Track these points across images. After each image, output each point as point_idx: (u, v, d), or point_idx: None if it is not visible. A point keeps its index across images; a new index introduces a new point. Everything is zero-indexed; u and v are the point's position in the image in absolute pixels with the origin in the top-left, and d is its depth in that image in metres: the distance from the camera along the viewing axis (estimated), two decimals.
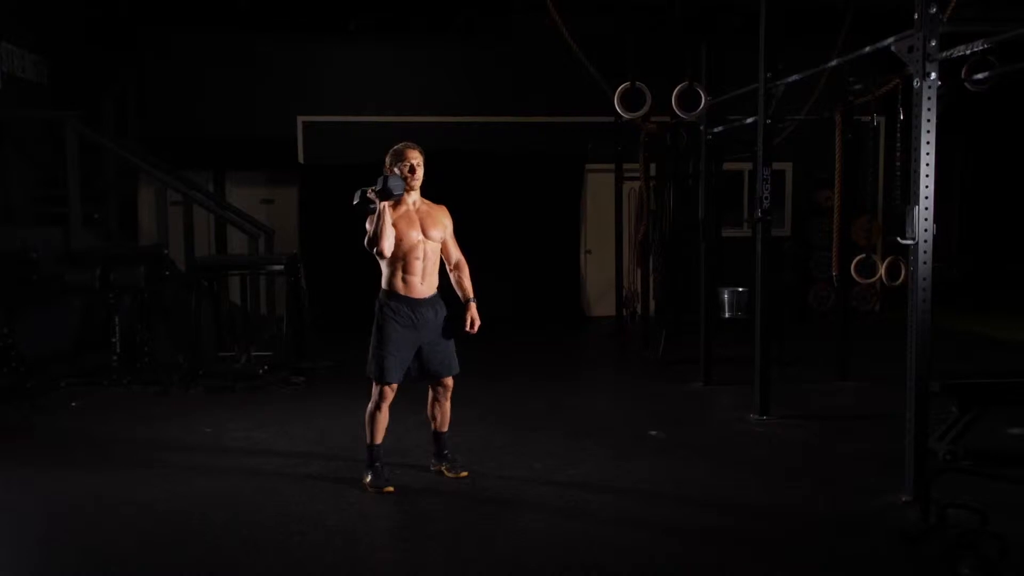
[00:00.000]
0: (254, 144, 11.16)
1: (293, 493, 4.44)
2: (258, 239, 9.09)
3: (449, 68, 11.53)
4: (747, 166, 10.79)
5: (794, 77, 5.65)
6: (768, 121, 5.86)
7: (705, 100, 6.80)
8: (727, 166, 9.12)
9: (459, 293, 4.60)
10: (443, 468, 4.69)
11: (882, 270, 6.77)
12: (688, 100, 6.88)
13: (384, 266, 4.41)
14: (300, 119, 11.32)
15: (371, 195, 4.22)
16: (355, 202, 4.30)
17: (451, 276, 4.62)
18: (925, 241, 4.03)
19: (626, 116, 7.54)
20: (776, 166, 8.56)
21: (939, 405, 4.76)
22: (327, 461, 4.99)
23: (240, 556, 3.68)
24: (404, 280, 4.38)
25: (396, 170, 4.35)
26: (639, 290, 9.69)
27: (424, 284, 4.42)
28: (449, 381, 4.58)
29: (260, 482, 4.64)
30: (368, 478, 4.44)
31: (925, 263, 4.03)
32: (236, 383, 7.12)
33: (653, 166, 9.44)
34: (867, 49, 4.66)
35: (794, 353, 7.92)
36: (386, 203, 4.22)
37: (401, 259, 4.36)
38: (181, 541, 3.85)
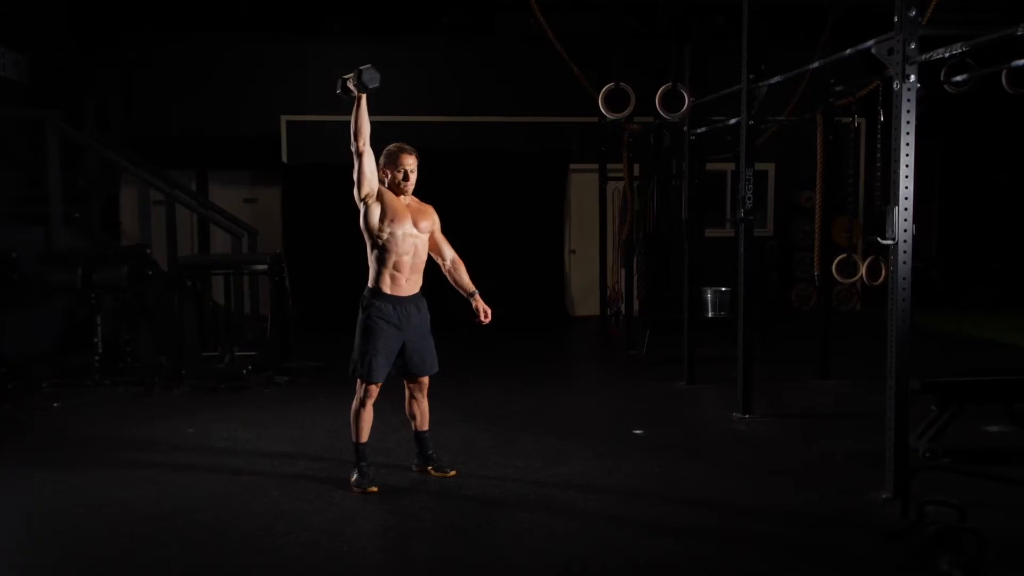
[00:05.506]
0: (237, 143, 11.13)
1: (278, 493, 4.44)
2: (241, 239, 9.06)
3: (433, 68, 11.53)
4: (730, 166, 10.87)
5: (776, 79, 5.70)
6: (750, 122, 5.91)
7: (688, 101, 6.84)
8: (710, 166, 9.18)
9: (460, 291, 4.60)
10: (429, 468, 4.70)
11: (863, 270, 6.84)
12: (671, 101, 6.92)
13: (373, 262, 4.40)
14: (284, 118, 11.29)
15: (350, 86, 4.19)
16: (337, 91, 4.30)
17: (448, 277, 4.62)
18: (905, 241, 4.08)
19: (610, 116, 7.57)
20: (759, 167, 8.61)
21: (919, 403, 4.82)
22: (312, 461, 4.99)
23: (226, 556, 3.68)
24: (392, 277, 4.39)
25: (388, 173, 4.34)
26: (623, 290, 9.73)
27: (409, 282, 4.43)
28: (425, 379, 4.60)
29: (245, 482, 4.63)
30: (354, 477, 4.45)
31: (905, 263, 4.08)
32: (220, 383, 7.09)
33: (637, 166, 9.49)
34: (848, 51, 4.71)
35: (777, 352, 7.98)
36: (363, 95, 4.19)
37: (392, 252, 4.35)
38: (166, 541, 3.84)
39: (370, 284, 4.44)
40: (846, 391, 6.80)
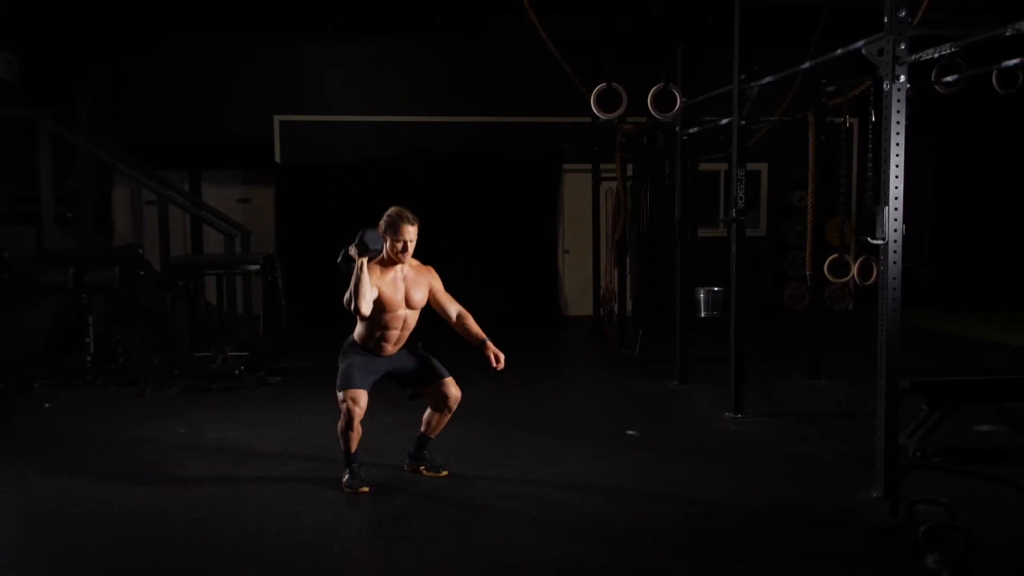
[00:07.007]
0: (230, 143, 11.12)
1: (270, 493, 4.44)
2: (234, 239, 9.03)
3: (427, 68, 11.53)
4: (723, 166, 10.88)
5: (767, 79, 5.71)
6: (742, 122, 5.92)
7: (680, 101, 6.85)
8: (703, 166, 9.20)
9: (471, 341, 4.48)
10: (422, 468, 4.69)
11: (854, 270, 6.85)
12: (664, 101, 6.93)
13: (359, 324, 4.39)
14: (277, 118, 11.30)
15: (352, 252, 4.19)
16: (338, 260, 4.27)
17: (457, 330, 4.52)
18: (895, 241, 4.09)
19: (603, 117, 7.58)
20: (751, 167, 8.63)
21: (910, 403, 4.84)
22: (304, 461, 4.99)
23: (218, 556, 3.67)
24: (378, 344, 4.41)
25: (387, 239, 4.28)
26: (616, 290, 9.75)
27: (396, 346, 4.46)
28: (455, 391, 4.49)
29: (237, 482, 4.63)
30: (345, 478, 4.44)
31: (895, 263, 4.10)
32: (212, 384, 7.08)
33: (630, 166, 9.50)
34: (838, 52, 4.73)
35: (769, 351, 8.00)
36: (364, 259, 4.18)
37: (381, 325, 4.37)
38: (158, 541, 3.84)
39: (355, 337, 4.43)
40: (838, 390, 6.82)
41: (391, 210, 4.33)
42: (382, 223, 4.31)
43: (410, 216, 4.30)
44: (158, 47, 11.04)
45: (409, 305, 4.40)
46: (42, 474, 4.80)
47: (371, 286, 4.21)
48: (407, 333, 4.47)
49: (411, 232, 4.29)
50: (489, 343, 4.45)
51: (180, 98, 11.06)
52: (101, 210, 10.39)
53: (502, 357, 4.43)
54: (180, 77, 11.08)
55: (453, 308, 4.51)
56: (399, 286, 4.37)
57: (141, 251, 8.05)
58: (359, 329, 4.42)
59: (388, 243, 4.28)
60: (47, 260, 7.62)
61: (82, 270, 7.30)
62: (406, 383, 4.58)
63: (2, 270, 7.25)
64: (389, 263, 4.35)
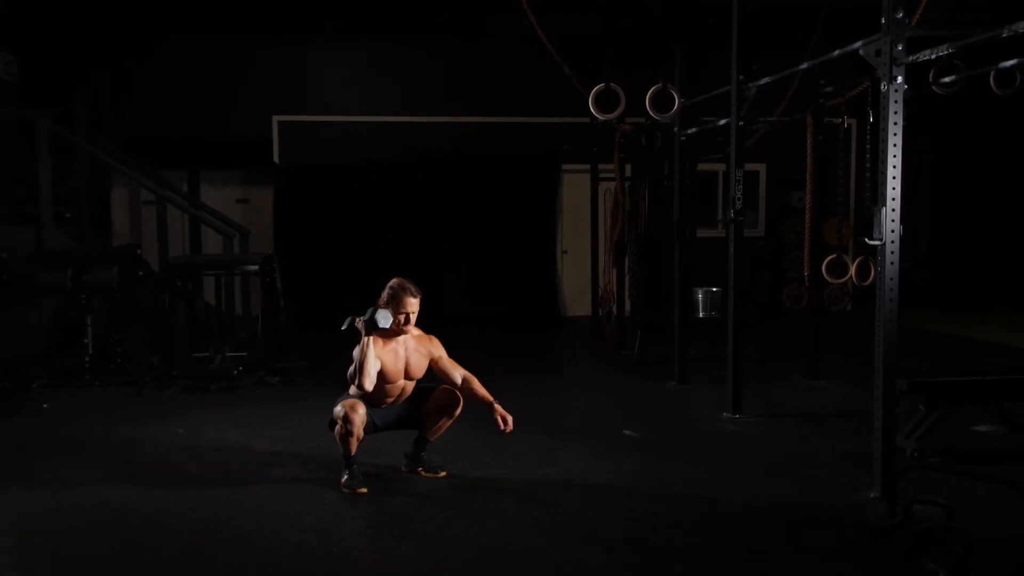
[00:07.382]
0: (229, 144, 11.14)
1: (269, 493, 4.44)
2: (233, 239, 9.03)
3: (426, 68, 11.55)
4: (722, 167, 10.90)
5: (765, 80, 5.72)
6: (740, 123, 5.93)
7: (679, 102, 6.86)
8: (702, 166, 9.22)
9: (479, 403, 4.48)
10: (420, 469, 4.70)
11: (852, 270, 6.86)
12: (662, 102, 6.94)
13: (354, 388, 4.41)
14: (276, 119, 11.31)
15: (359, 325, 4.22)
16: (343, 328, 4.28)
17: (464, 394, 4.52)
18: (892, 242, 4.10)
19: (601, 117, 7.59)
20: (750, 167, 8.62)
21: (907, 403, 4.85)
22: (303, 462, 5.00)
23: (217, 556, 3.68)
24: (373, 405, 4.46)
25: (390, 312, 4.28)
26: (615, 290, 9.76)
27: (389, 405, 4.53)
28: (460, 400, 4.53)
29: (236, 483, 4.63)
30: (344, 478, 4.45)
31: (892, 263, 4.10)
32: (211, 384, 7.08)
33: (628, 167, 9.51)
34: (836, 53, 4.74)
35: (767, 351, 8.00)
36: (372, 336, 4.21)
37: (380, 395, 4.42)
38: (158, 541, 3.84)
39: (350, 393, 4.44)
40: (836, 390, 6.83)
41: (393, 282, 4.37)
42: (384, 295, 4.34)
43: (412, 289, 4.34)
44: (158, 47, 11.05)
45: (408, 376, 4.46)
46: (42, 474, 4.80)
47: (375, 358, 4.26)
48: (402, 398, 4.56)
49: (413, 304, 4.33)
50: (497, 405, 4.43)
51: (180, 98, 11.06)
52: (100, 210, 10.39)
53: (510, 419, 4.42)
54: (180, 77, 11.09)
55: (458, 374, 4.53)
56: (400, 355, 4.42)
57: (140, 251, 8.05)
58: (354, 391, 4.45)
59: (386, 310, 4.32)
60: (46, 260, 7.62)
61: (81, 270, 7.31)
62: (409, 419, 4.63)
63: (1, 270, 7.25)
64: (391, 334, 4.37)
